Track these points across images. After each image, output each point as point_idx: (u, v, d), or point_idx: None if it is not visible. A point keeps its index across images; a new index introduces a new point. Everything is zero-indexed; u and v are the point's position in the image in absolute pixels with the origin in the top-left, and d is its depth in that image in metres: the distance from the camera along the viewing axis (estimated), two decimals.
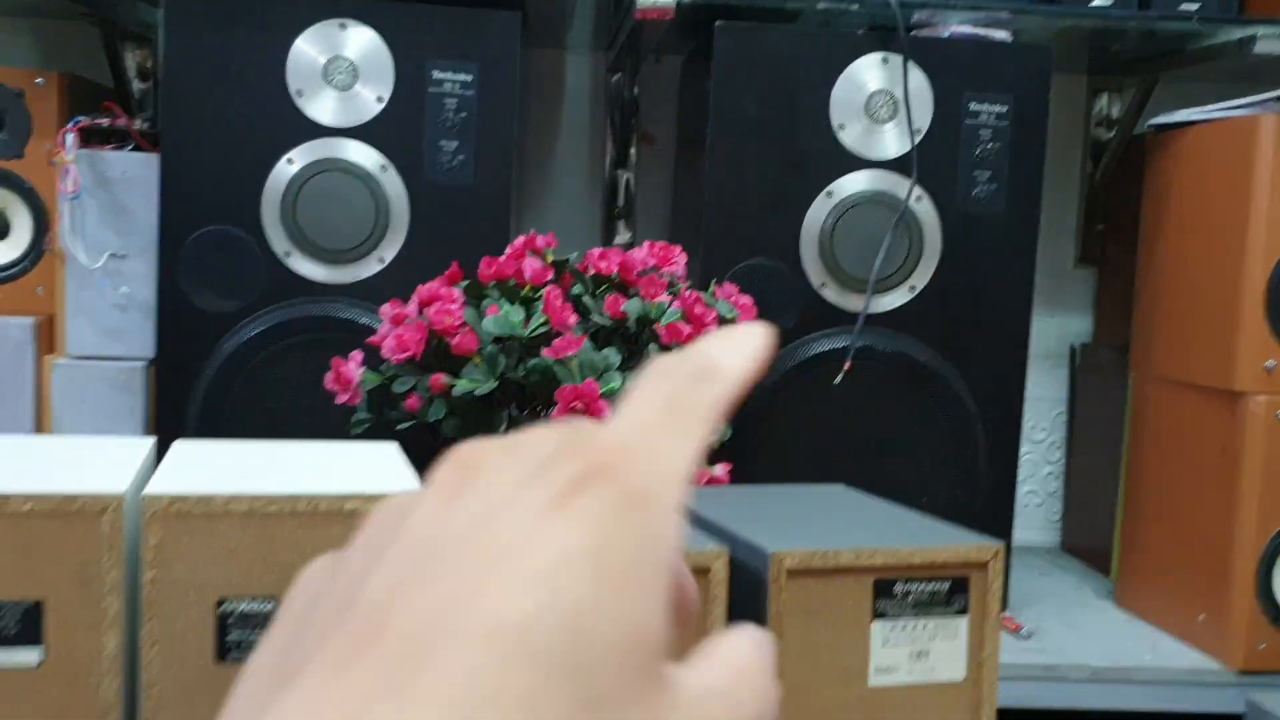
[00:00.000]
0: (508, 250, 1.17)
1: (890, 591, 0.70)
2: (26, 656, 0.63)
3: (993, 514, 1.31)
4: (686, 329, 1.14)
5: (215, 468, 0.70)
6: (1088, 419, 1.67)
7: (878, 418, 1.31)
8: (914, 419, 1.31)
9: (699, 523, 0.75)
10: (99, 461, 0.71)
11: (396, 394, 1.17)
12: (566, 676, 0.19)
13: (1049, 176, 1.36)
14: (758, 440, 1.28)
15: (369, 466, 0.76)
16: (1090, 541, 1.63)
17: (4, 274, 1.37)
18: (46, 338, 1.35)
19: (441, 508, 0.22)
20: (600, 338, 1.20)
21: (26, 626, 0.62)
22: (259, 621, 0.65)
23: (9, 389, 1.34)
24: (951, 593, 0.71)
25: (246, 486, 0.65)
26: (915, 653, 0.71)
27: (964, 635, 0.72)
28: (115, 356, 1.33)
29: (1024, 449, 1.63)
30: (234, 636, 0.64)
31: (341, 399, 1.17)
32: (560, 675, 0.19)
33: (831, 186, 1.31)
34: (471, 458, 0.23)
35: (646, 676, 0.20)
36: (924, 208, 1.32)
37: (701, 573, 0.67)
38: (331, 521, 0.65)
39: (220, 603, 0.64)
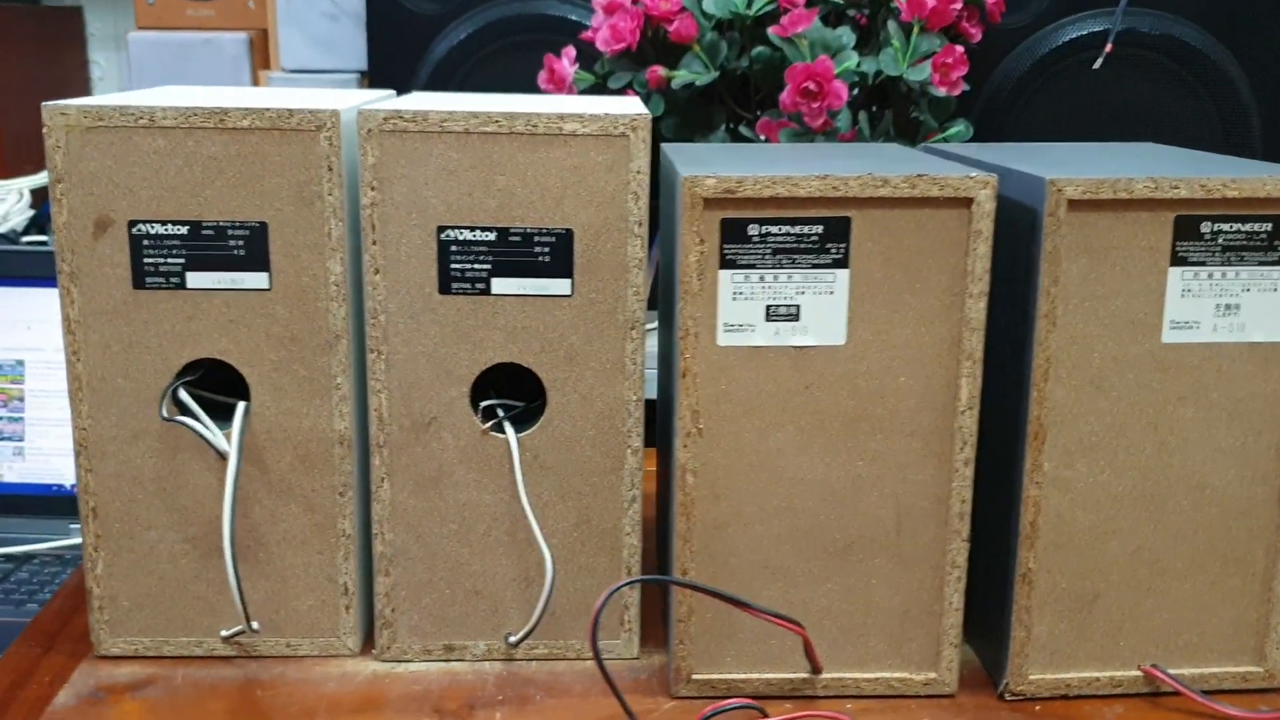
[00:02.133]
0: None
1: (1195, 231, 0.60)
2: (256, 280, 0.60)
3: None
4: (930, 2, 1.02)
5: (433, 101, 0.65)
6: None
7: (1140, 109, 1.16)
8: (1181, 109, 1.16)
9: (965, 164, 0.66)
10: (321, 95, 0.67)
11: (613, 90, 1.10)
12: None
13: None
14: (1004, 137, 1.16)
15: (594, 101, 0.70)
16: None
17: None
18: (261, 52, 1.33)
19: None
20: (830, 20, 1.09)
21: (252, 250, 0.60)
22: (481, 251, 0.60)
23: None
24: (1273, 235, 0.61)
25: (462, 107, 0.60)
26: (1222, 306, 0.61)
27: None
28: (328, 69, 1.30)
29: None
30: (457, 266, 0.60)
31: None
32: None
33: None
34: None
35: None
36: None
37: (963, 204, 0.59)
38: (552, 144, 0.59)
39: (442, 230, 0.60)
